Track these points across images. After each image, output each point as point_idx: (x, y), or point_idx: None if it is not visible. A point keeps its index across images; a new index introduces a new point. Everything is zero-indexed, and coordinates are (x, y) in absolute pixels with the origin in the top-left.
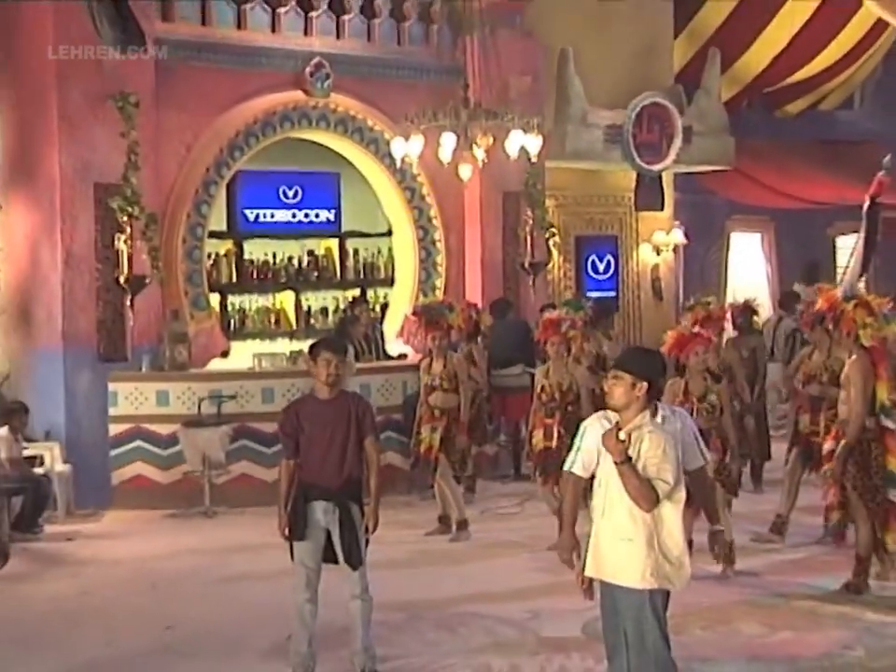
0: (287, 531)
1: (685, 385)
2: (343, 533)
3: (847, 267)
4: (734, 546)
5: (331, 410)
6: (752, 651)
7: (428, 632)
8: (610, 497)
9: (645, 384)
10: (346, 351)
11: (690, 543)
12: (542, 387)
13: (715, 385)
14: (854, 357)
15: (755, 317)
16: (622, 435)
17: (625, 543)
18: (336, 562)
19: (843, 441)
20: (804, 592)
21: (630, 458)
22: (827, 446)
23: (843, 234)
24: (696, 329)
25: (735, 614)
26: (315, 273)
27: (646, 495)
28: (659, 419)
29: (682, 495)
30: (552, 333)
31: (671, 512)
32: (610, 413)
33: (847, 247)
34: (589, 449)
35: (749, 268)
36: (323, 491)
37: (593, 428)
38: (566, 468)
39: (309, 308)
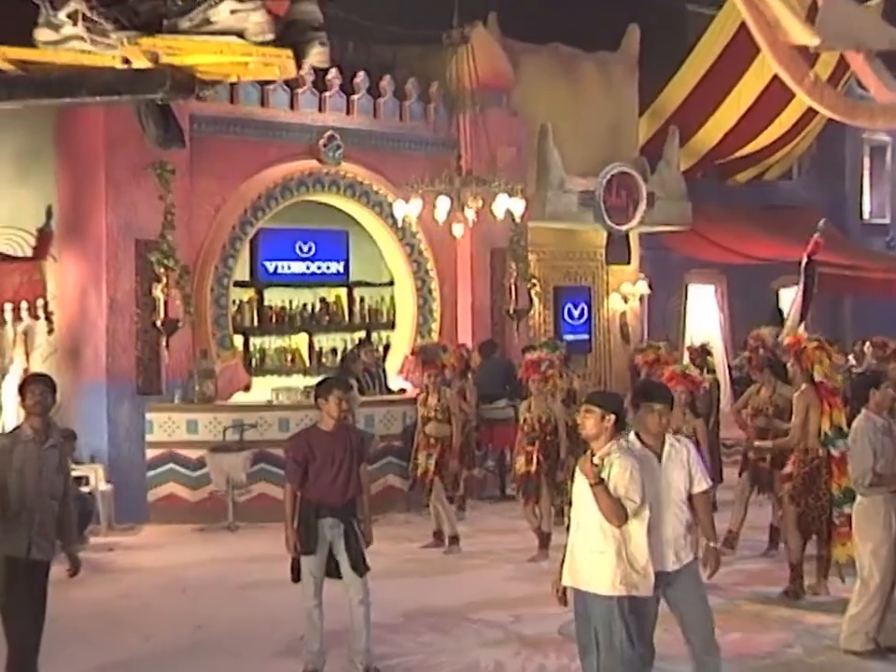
0: (297, 546)
1: None
2: (349, 544)
3: (788, 315)
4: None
5: (336, 440)
6: (733, 649)
7: (423, 633)
8: (584, 514)
9: (613, 416)
10: (351, 387)
11: None
12: (525, 419)
13: (693, 419)
14: (802, 389)
15: (710, 358)
16: (595, 460)
17: (597, 555)
18: (339, 576)
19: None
20: (751, 598)
21: (602, 480)
22: (786, 469)
23: (785, 287)
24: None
25: None
26: (326, 318)
27: (616, 512)
28: (626, 445)
29: (647, 513)
30: (533, 372)
31: (637, 528)
32: (627, 442)
33: (789, 299)
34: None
35: (704, 315)
36: (330, 509)
37: (623, 460)
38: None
39: (321, 348)
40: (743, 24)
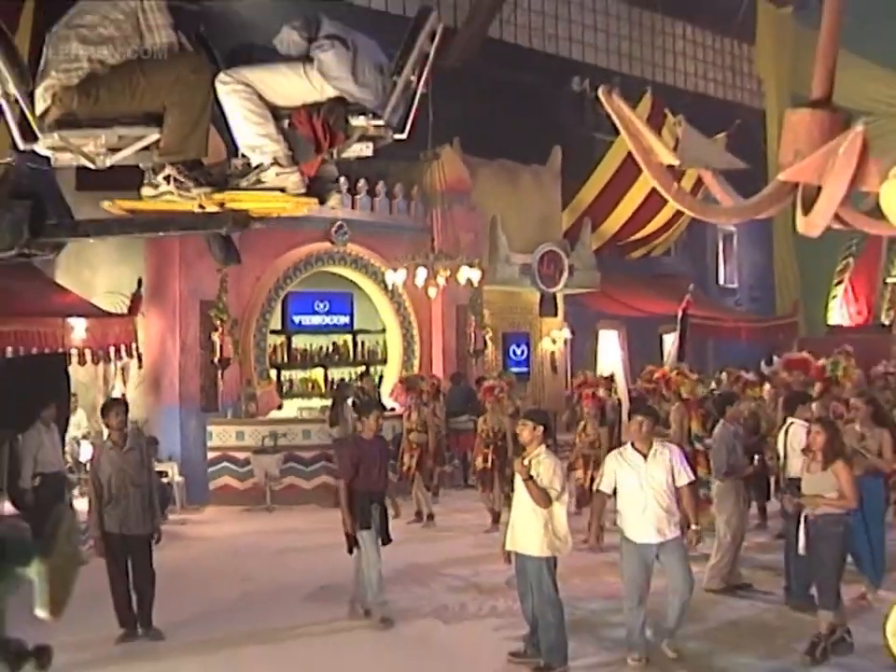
0: (358, 524)
1: (584, 426)
2: (383, 521)
3: (669, 353)
4: (603, 528)
5: (374, 446)
6: (609, 594)
7: (408, 584)
8: (520, 499)
9: (541, 427)
10: (385, 410)
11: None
12: (482, 429)
13: (601, 427)
14: (676, 405)
15: (614, 384)
16: (525, 461)
17: (530, 527)
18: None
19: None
20: None
21: (532, 476)
22: None
23: (667, 333)
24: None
25: (601, 570)
26: (337, 356)
27: (542, 498)
28: (544, 452)
29: (566, 497)
30: (489, 395)
31: (559, 508)
32: (623, 449)
33: (670, 341)
34: (608, 473)
35: (610, 353)
36: (374, 496)
37: (610, 460)
38: (595, 487)
39: (332, 378)
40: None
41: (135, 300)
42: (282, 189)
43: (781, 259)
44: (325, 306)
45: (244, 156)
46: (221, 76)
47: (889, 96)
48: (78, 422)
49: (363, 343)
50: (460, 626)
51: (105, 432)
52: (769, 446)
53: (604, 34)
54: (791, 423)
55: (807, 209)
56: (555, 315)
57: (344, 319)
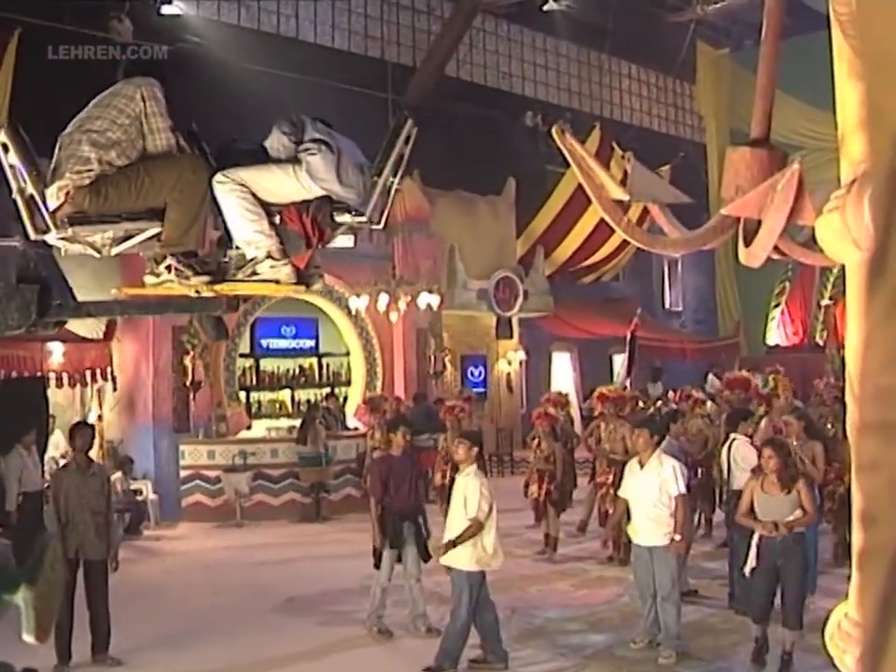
0: (388, 543)
1: (539, 442)
2: (418, 540)
3: (619, 373)
4: (557, 539)
5: (404, 461)
6: (564, 602)
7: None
8: (452, 515)
9: (476, 448)
10: (412, 426)
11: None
12: (442, 447)
13: (554, 443)
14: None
15: (569, 403)
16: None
17: (462, 544)
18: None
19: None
20: (595, 565)
21: (454, 543)
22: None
23: (617, 354)
24: (546, 410)
25: (554, 579)
26: (303, 378)
27: (474, 532)
28: (474, 472)
29: (495, 514)
30: (450, 414)
31: (489, 526)
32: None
33: (619, 362)
34: (624, 479)
35: (563, 373)
36: (406, 514)
37: (627, 467)
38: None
39: (299, 400)
40: None
41: (110, 325)
42: (276, 281)
43: (723, 284)
44: (291, 331)
45: (237, 247)
46: (219, 176)
47: (819, 132)
48: (56, 442)
49: (328, 366)
50: (426, 636)
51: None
52: (716, 460)
53: (555, 72)
54: (734, 438)
55: (748, 241)
56: (511, 337)
57: (310, 343)
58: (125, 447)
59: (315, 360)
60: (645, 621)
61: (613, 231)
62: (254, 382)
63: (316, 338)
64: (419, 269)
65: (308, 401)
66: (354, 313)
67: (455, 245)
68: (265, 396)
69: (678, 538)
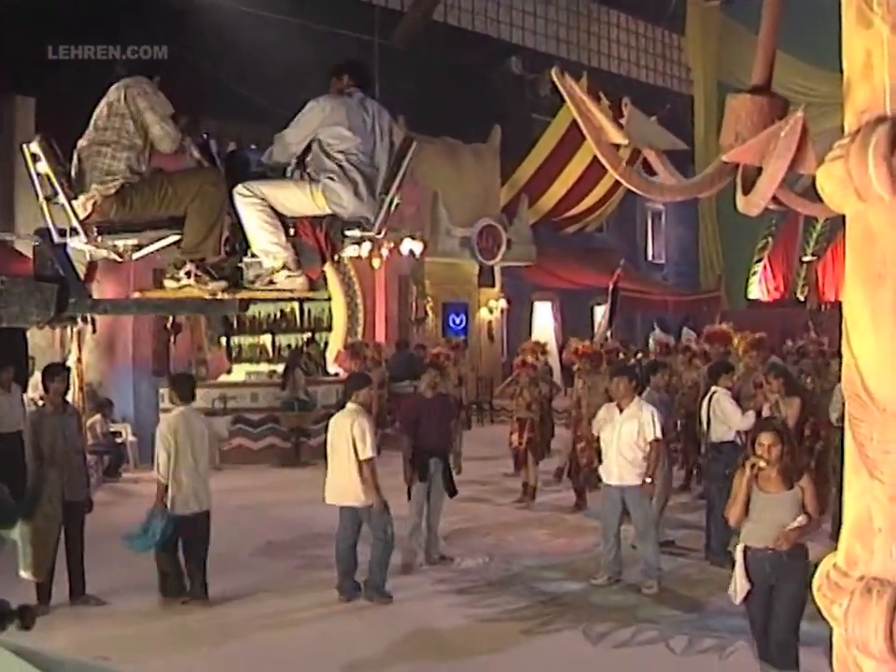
0: (416, 478)
1: (521, 391)
2: (445, 476)
3: (600, 324)
4: (536, 488)
5: (434, 403)
6: (541, 550)
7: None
8: (334, 454)
9: (364, 390)
10: (442, 369)
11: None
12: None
13: (535, 391)
14: (598, 378)
15: (547, 351)
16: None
17: (348, 483)
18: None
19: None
20: (573, 515)
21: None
22: None
23: (598, 305)
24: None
25: (532, 527)
26: (285, 323)
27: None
28: (361, 413)
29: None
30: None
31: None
32: (611, 403)
33: (600, 313)
34: (597, 421)
35: (544, 323)
36: (433, 452)
37: (602, 411)
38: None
39: (280, 344)
40: (569, 128)
41: (91, 267)
42: (290, 290)
43: (706, 237)
44: None
45: (253, 255)
46: (240, 188)
47: (810, 88)
48: (35, 384)
49: (309, 311)
50: (401, 581)
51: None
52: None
53: (543, 20)
54: (714, 391)
55: (747, 189)
56: (493, 286)
57: None
58: (104, 390)
59: (296, 305)
60: (605, 558)
61: (598, 182)
62: (235, 326)
63: None
64: (402, 215)
65: (289, 346)
66: (337, 258)
67: (439, 192)
68: (246, 340)
69: (648, 480)
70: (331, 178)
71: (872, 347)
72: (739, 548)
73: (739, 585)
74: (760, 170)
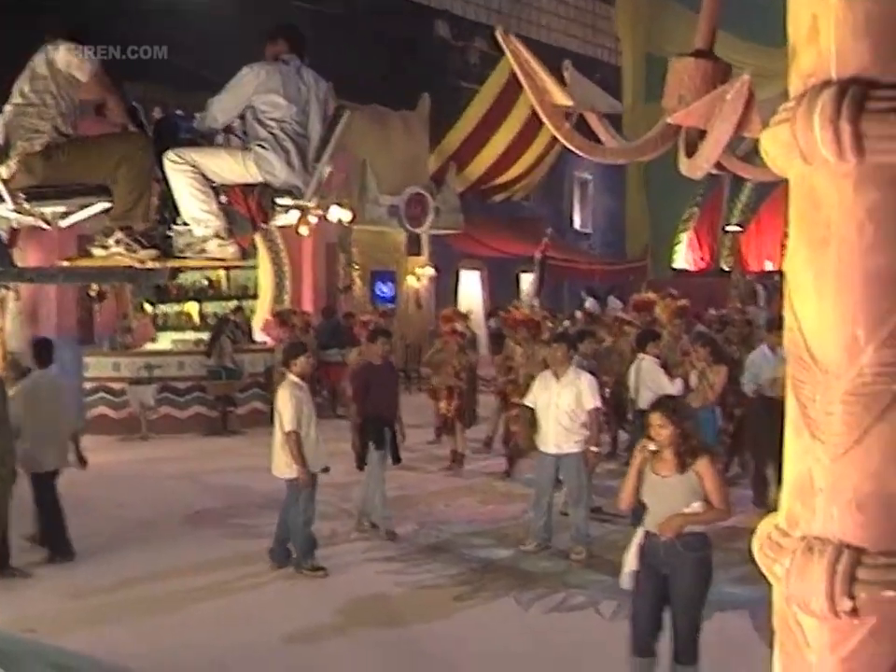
0: (371, 445)
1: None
2: (393, 443)
3: (527, 293)
4: (464, 455)
5: (384, 371)
6: (471, 517)
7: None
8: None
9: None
10: (391, 336)
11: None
12: (357, 361)
13: (464, 357)
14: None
15: (469, 319)
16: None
17: (277, 455)
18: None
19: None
20: (501, 482)
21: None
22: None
23: (525, 273)
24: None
25: (460, 494)
26: (211, 291)
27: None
28: (285, 385)
29: (292, 426)
30: (364, 329)
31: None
32: (547, 371)
33: (527, 281)
34: (532, 390)
35: (471, 291)
36: (384, 420)
37: (537, 379)
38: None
39: (206, 312)
40: (497, 97)
41: (13, 233)
42: (222, 259)
43: (633, 207)
44: None
45: (184, 223)
46: (171, 154)
47: (741, 62)
48: None
49: (236, 279)
50: (333, 550)
51: None
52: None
53: None
54: (642, 359)
55: (690, 152)
56: (420, 254)
57: None
58: (28, 358)
59: (222, 273)
60: (535, 525)
61: (526, 150)
62: (160, 294)
63: None
64: (330, 183)
65: (215, 314)
66: (266, 228)
67: (367, 159)
68: (172, 308)
69: (595, 449)
70: (264, 147)
71: (815, 310)
72: (639, 531)
73: (627, 569)
74: (703, 133)
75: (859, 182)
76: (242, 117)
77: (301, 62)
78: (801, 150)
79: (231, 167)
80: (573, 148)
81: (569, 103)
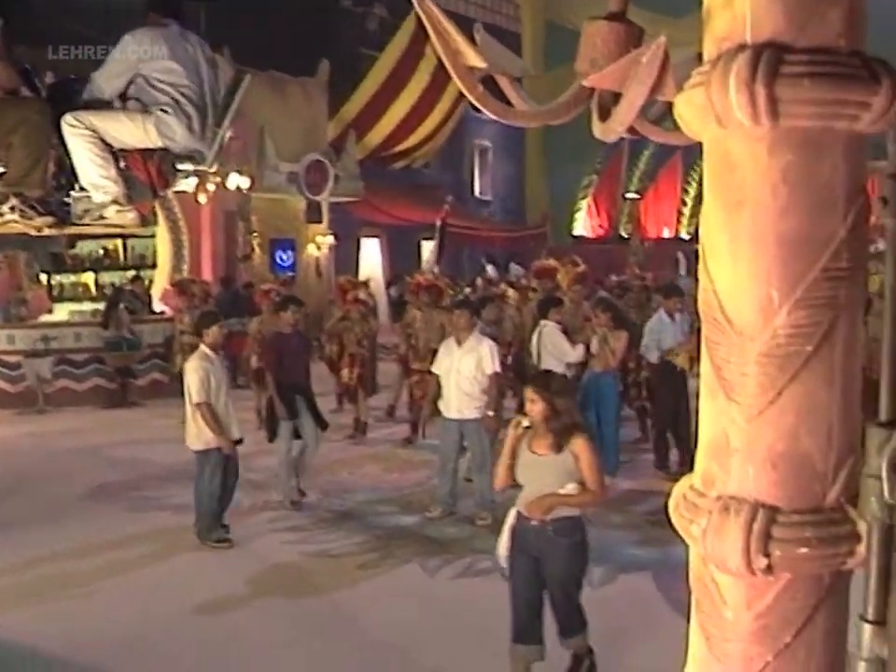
0: (284, 415)
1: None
2: (313, 411)
3: (427, 260)
4: (367, 423)
5: (293, 339)
6: (375, 485)
7: (186, 482)
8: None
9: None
10: (303, 304)
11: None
12: (256, 331)
13: (366, 325)
14: (436, 312)
15: (367, 287)
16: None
17: (188, 426)
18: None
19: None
20: (405, 449)
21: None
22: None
23: (426, 240)
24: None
25: (364, 463)
26: (108, 261)
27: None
28: (195, 357)
29: (202, 396)
30: (266, 298)
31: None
32: (451, 338)
33: (428, 248)
34: (438, 357)
35: (371, 259)
36: (298, 388)
37: (442, 346)
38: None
39: (103, 283)
40: (397, 63)
41: None
42: (121, 226)
43: (532, 174)
44: None
45: (82, 189)
46: (69, 118)
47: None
48: None
49: (133, 248)
50: (238, 521)
51: None
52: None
53: None
54: (545, 325)
55: (604, 116)
56: (320, 221)
57: None
58: None
59: (119, 243)
60: (440, 492)
61: (426, 117)
62: (56, 264)
63: None
64: (229, 150)
65: (113, 284)
66: (162, 195)
67: (266, 126)
68: (68, 278)
69: (490, 413)
70: (165, 111)
71: (730, 272)
72: (512, 511)
73: (501, 549)
74: (616, 96)
75: (773, 145)
76: (132, 83)
77: (181, 27)
78: (716, 114)
79: (130, 131)
80: (487, 112)
81: (483, 64)
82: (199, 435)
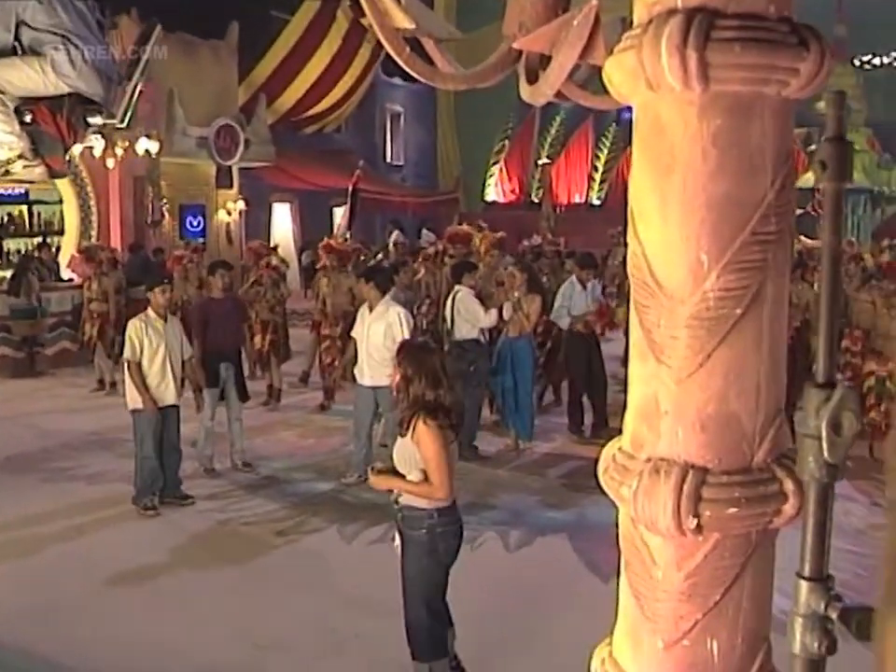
0: (205, 382)
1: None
2: (237, 380)
3: (339, 226)
4: (281, 390)
5: (224, 305)
6: (290, 451)
7: (99, 451)
8: None
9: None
10: (232, 268)
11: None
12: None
13: (278, 291)
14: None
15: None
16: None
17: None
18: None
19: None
20: (319, 415)
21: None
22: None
23: (338, 206)
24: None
25: (279, 429)
26: (13, 227)
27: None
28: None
29: (135, 357)
30: (178, 265)
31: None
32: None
33: (339, 214)
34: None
35: (282, 225)
36: (224, 355)
37: (360, 311)
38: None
39: (8, 250)
40: (308, 27)
41: None
42: (29, 181)
43: (444, 139)
44: None
45: None
46: None
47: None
48: None
49: (39, 214)
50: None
51: None
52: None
53: None
54: (458, 290)
55: (532, 79)
56: (231, 187)
57: (19, 189)
58: None
59: (24, 208)
60: (356, 457)
61: (337, 82)
62: None
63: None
64: (137, 113)
65: (19, 251)
66: (68, 158)
67: (175, 89)
68: None
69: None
70: (56, 48)
71: (659, 235)
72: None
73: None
74: (543, 59)
75: (703, 109)
76: (20, 33)
77: None
78: (646, 77)
79: (29, 76)
80: (414, 74)
81: (411, 26)
82: (130, 394)
